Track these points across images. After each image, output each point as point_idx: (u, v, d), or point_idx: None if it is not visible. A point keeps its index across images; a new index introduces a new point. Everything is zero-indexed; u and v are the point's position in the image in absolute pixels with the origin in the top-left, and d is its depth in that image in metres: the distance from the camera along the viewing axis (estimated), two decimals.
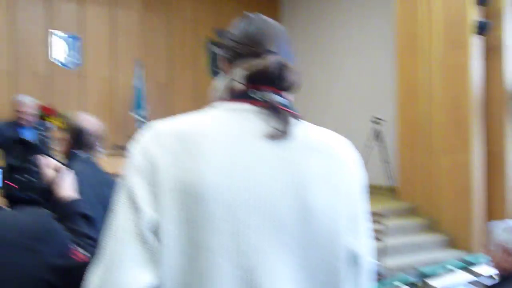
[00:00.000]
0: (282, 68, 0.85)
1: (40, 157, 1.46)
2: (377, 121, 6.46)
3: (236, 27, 0.93)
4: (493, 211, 5.25)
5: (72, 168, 1.52)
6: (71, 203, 1.39)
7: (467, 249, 5.04)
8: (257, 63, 0.84)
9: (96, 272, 0.76)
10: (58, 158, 1.62)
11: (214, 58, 8.00)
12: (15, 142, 1.52)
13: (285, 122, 0.82)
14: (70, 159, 1.85)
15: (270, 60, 0.84)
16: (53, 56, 6.98)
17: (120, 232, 0.75)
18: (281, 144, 0.81)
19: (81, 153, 1.87)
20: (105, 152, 3.03)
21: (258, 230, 0.76)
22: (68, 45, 7.05)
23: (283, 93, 0.86)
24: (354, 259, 0.84)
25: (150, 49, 7.62)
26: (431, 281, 2.45)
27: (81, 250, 1.22)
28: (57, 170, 1.44)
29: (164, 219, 0.75)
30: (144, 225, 0.75)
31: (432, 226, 5.55)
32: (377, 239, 4.26)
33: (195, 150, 0.78)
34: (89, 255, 1.21)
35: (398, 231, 5.25)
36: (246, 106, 0.83)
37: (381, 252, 4.24)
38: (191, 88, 7.89)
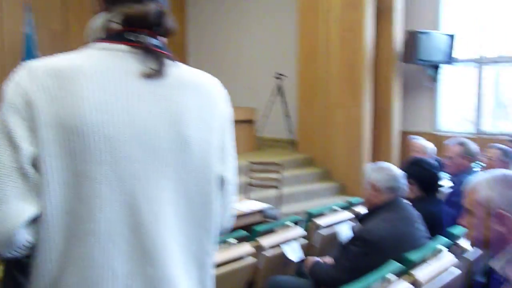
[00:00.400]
0: (161, 15, 0.90)
1: None
2: (279, 77, 6.69)
3: None
4: (380, 161, 5.82)
5: None
6: None
7: (356, 194, 5.57)
8: (137, 8, 0.88)
9: None
10: None
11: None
12: None
13: (160, 63, 0.88)
14: None
15: (150, 7, 0.89)
16: None
17: (0, 169, 0.78)
18: (157, 83, 0.87)
19: None
20: None
21: (138, 160, 0.83)
22: None
23: (158, 37, 0.91)
24: (221, 183, 0.97)
25: None
26: (316, 220, 2.72)
27: None
28: None
29: (44, 152, 0.79)
30: (24, 160, 0.78)
31: (326, 175, 6.03)
32: (276, 187, 4.55)
33: (72, 87, 0.81)
34: None
35: (295, 180, 5.63)
36: (122, 47, 0.87)
37: (278, 200, 4.55)
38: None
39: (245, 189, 4.57)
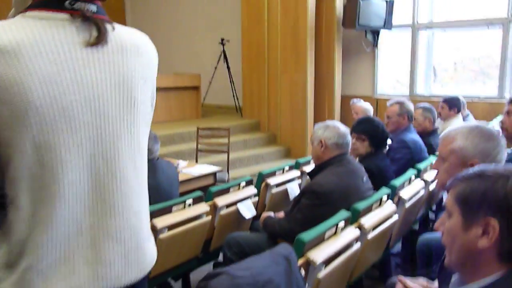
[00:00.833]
0: None
1: None
2: (224, 42, 6.64)
3: None
4: None
5: None
6: None
7: (302, 157, 5.77)
8: None
9: None
10: None
11: None
12: None
13: (101, 30, 0.89)
14: None
15: None
16: None
17: None
18: (101, 49, 0.89)
19: None
20: None
21: (93, 125, 0.88)
22: None
23: (96, 1, 0.92)
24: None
25: None
26: (268, 179, 2.83)
27: None
28: None
29: (2, 127, 0.81)
30: None
31: (272, 140, 6.17)
32: (224, 152, 4.60)
33: (17, 63, 0.80)
34: None
35: (242, 145, 5.72)
36: (62, 15, 0.87)
37: (227, 164, 4.62)
38: None
39: (195, 155, 4.59)
